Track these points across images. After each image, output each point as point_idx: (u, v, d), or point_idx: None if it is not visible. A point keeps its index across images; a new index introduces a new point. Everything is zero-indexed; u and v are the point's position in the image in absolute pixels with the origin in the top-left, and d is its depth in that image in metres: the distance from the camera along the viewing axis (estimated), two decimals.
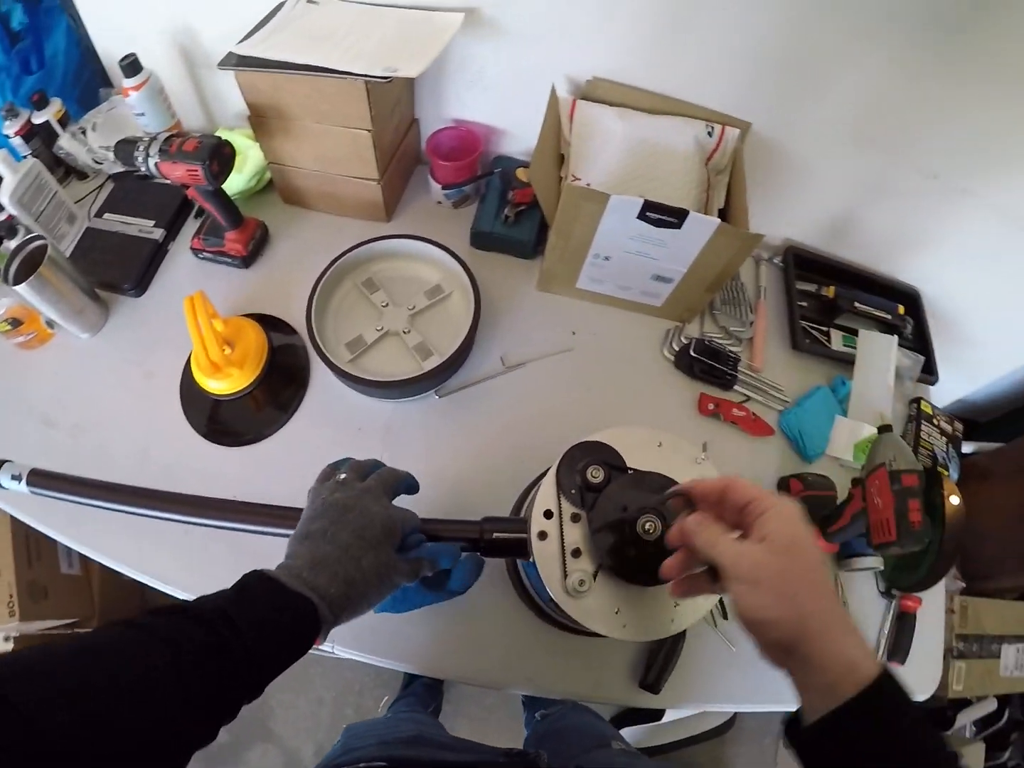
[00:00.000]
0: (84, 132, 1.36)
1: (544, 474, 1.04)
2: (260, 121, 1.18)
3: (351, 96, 1.07)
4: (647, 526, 0.72)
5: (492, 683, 1.06)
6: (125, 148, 1.10)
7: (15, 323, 1.16)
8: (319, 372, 1.21)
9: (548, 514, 0.79)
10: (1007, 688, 1.81)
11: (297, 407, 1.19)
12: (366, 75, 1.00)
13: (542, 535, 0.78)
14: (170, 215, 1.33)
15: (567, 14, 1.10)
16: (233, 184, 1.31)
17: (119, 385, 1.19)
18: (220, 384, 1.14)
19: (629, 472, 0.80)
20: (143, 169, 1.10)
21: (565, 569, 0.77)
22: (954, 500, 1.04)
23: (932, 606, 1.21)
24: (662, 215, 1.05)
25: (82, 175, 1.43)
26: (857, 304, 1.38)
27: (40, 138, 1.32)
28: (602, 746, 1.02)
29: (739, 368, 1.29)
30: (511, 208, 1.31)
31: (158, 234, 1.31)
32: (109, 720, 0.47)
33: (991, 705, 1.94)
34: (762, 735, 2.16)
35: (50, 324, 1.22)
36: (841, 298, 1.38)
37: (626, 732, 1.98)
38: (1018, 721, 2.00)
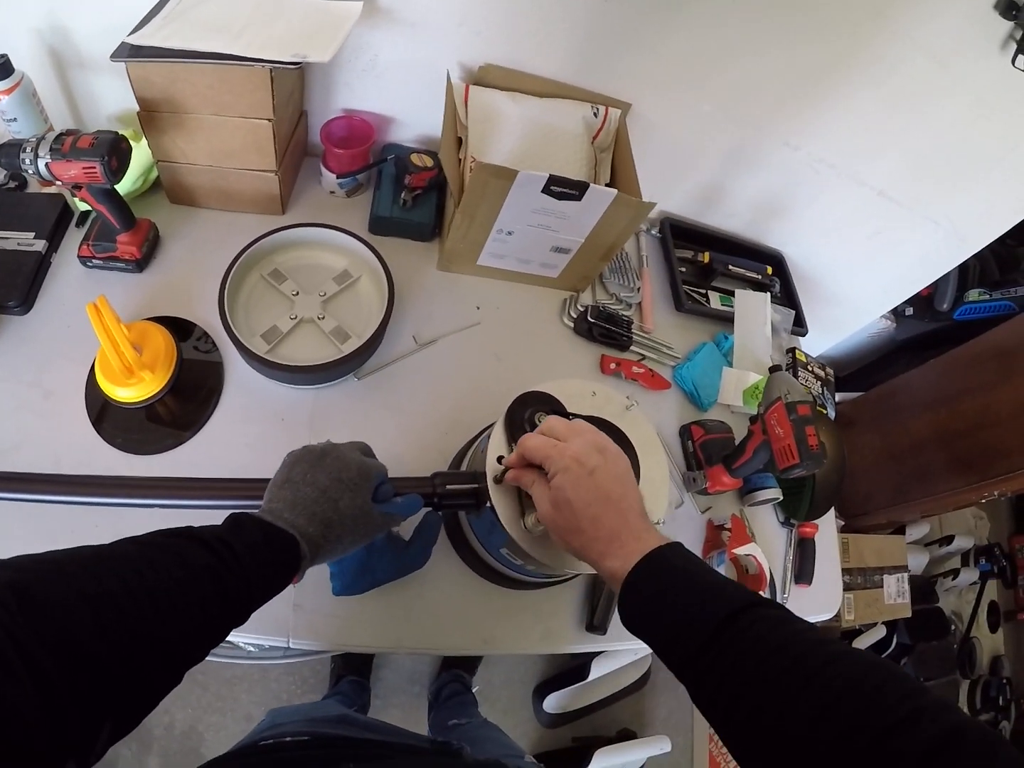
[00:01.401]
0: None
1: (475, 439, 1.10)
2: (151, 116, 1.14)
3: (255, 84, 1.07)
4: None
5: (449, 649, 1.10)
6: (8, 151, 1.04)
7: None
8: (234, 368, 1.19)
9: (501, 459, 0.83)
10: (892, 614, 2.05)
11: (215, 406, 1.16)
12: (278, 62, 1.01)
13: (497, 479, 0.82)
14: (50, 226, 1.25)
15: (460, 2, 1.15)
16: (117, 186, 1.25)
17: (17, 409, 1.10)
18: (131, 392, 1.09)
19: (571, 418, 0.86)
20: (30, 172, 1.05)
21: (523, 509, 0.82)
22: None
23: (827, 532, 1.37)
24: (564, 188, 1.12)
25: None
26: (730, 267, 1.54)
27: None
28: (516, 755, 1.11)
29: (632, 330, 1.39)
30: (408, 193, 1.34)
31: (40, 245, 1.22)
32: (123, 625, 0.50)
33: (880, 632, 2.16)
34: (675, 685, 2.25)
35: None
36: (716, 263, 1.53)
37: (554, 696, 2.07)
38: (906, 646, 2.23)
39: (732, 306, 1.50)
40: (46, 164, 1.04)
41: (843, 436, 1.41)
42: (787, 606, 1.22)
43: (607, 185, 1.33)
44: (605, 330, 1.36)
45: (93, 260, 1.23)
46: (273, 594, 0.67)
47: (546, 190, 1.13)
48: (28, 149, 1.03)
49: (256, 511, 0.71)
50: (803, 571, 1.30)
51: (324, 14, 1.11)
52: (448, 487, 0.89)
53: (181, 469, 1.10)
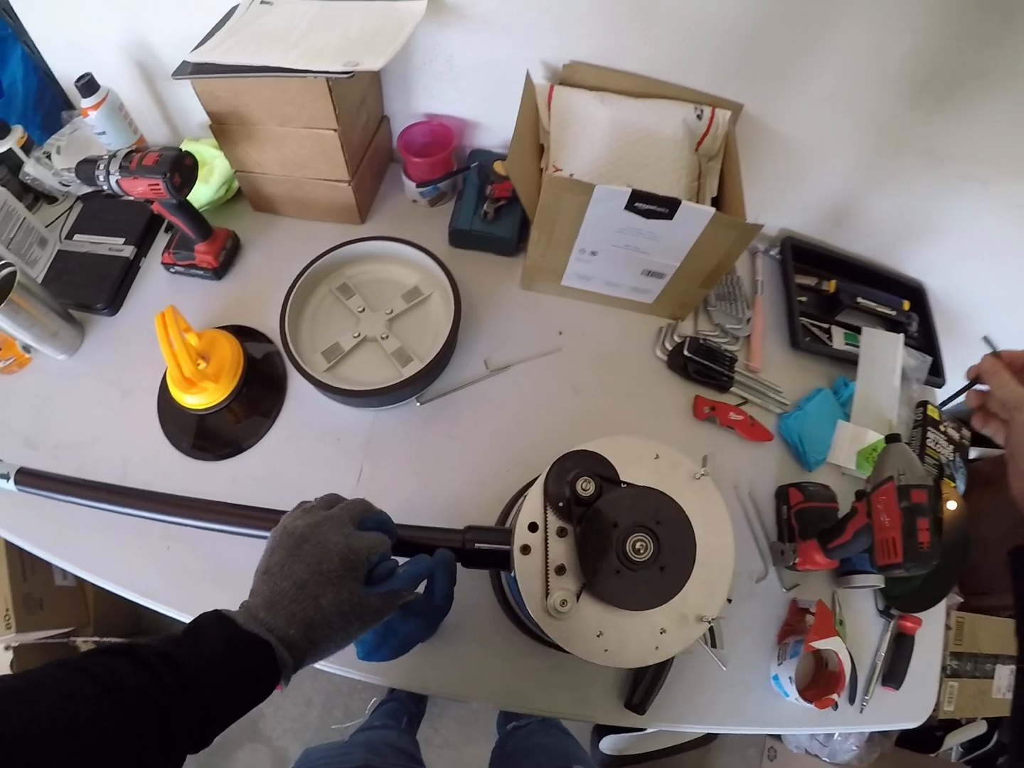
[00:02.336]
0: (49, 156, 1.35)
1: (532, 483, 0.99)
2: (222, 129, 1.15)
3: (314, 95, 1.04)
4: (637, 546, 0.70)
5: (473, 698, 1.02)
6: (86, 168, 1.09)
7: None
8: (297, 382, 1.18)
9: (533, 527, 0.75)
10: (999, 710, 1.71)
11: (276, 418, 1.16)
12: (326, 72, 0.97)
13: (525, 549, 0.74)
14: (139, 232, 1.32)
15: None
16: (201, 195, 1.29)
17: (98, 404, 1.18)
18: (197, 399, 1.12)
19: (623, 486, 0.76)
20: (105, 188, 1.09)
21: (547, 587, 0.73)
22: (951, 505, 1.07)
23: (932, 627, 1.14)
24: (652, 205, 0.99)
25: (51, 199, 1.42)
26: (859, 299, 1.32)
27: (6, 166, 1.33)
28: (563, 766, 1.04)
29: (736, 368, 1.22)
30: (490, 204, 1.26)
31: (129, 251, 1.29)
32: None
33: (980, 728, 1.84)
34: (745, 745, 2.13)
35: (27, 348, 1.20)
36: (843, 293, 1.32)
37: (611, 739, 1.98)
38: (1006, 745, 1.92)
39: (857, 346, 1.29)
40: (116, 181, 1.08)
41: (974, 501, 1.19)
42: (866, 710, 1.06)
43: (714, 199, 1.18)
44: (703, 367, 1.20)
45: (174, 267, 1.28)
46: (245, 710, 0.58)
47: (630, 207, 0.99)
48: (101, 166, 1.08)
49: (231, 610, 0.62)
50: (894, 672, 1.08)
51: (387, 15, 1.06)
52: (478, 545, 0.79)
53: (237, 479, 1.12)
